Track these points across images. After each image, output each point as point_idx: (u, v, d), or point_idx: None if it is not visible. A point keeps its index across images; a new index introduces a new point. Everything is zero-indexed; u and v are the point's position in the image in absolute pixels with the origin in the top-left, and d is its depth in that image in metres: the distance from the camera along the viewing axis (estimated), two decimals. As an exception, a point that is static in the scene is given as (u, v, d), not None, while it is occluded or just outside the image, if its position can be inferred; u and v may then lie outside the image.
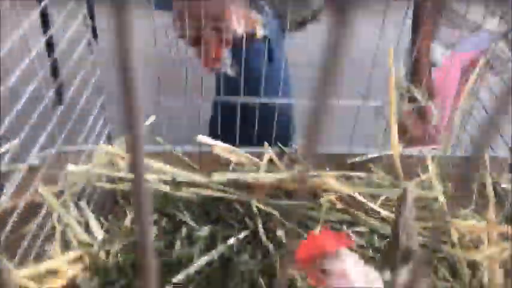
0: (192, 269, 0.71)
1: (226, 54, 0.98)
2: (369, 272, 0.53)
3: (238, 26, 0.96)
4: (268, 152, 0.91)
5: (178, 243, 0.75)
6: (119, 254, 0.74)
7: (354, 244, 0.53)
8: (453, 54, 1.18)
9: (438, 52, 1.11)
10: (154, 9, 0.92)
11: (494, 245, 0.75)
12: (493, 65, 1.11)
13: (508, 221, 0.78)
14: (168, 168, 0.82)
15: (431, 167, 0.89)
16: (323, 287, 0.50)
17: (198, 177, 0.84)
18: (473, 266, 0.77)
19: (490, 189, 0.82)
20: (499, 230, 0.76)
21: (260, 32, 1.04)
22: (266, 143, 0.92)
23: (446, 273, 0.76)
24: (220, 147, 0.89)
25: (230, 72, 1.01)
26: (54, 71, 0.95)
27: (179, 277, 0.70)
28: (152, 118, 0.93)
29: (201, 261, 0.72)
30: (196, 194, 0.83)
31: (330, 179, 0.85)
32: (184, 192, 0.83)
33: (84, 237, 0.75)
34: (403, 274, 0.60)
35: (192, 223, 0.78)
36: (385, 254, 0.63)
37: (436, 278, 0.75)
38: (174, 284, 0.69)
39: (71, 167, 0.80)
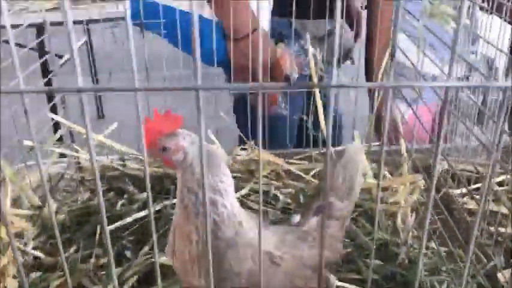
0: (127, 220, 0.79)
1: (280, 98, 1.15)
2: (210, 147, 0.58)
3: (291, 69, 1.12)
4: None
5: (119, 204, 0.84)
6: (65, 217, 0.83)
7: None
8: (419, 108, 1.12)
9: (402, 109, 1.10)
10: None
11: (405, 192, 0.82)
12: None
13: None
14: (117, 146, 0.93)
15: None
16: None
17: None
18: (392, 215, 0.84)
19: (404, 158, 0.90)
20: (410, 179, 0.83)
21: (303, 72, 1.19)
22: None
23: (366, 223, 0.82)
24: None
25: (284, 112, 1.17)
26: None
27: (115, 225, 0.78)
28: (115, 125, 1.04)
29: (137, 215, 0.80)
30: (142, 171, 0.93)
31: (266, 154, 0.94)
32: (131, 170, 0.93)
33: (37, 201, 0.84)
34: (311, 222, 0.65)
35: (135, 191, 0.88)
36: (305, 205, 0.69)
37: (356, 227, 0.81)
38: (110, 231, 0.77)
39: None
